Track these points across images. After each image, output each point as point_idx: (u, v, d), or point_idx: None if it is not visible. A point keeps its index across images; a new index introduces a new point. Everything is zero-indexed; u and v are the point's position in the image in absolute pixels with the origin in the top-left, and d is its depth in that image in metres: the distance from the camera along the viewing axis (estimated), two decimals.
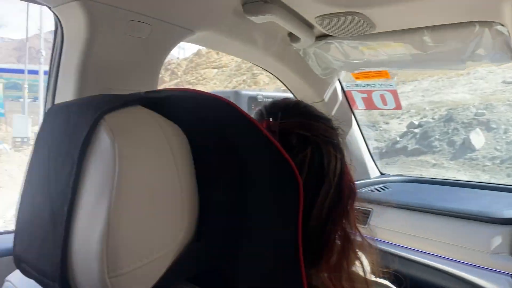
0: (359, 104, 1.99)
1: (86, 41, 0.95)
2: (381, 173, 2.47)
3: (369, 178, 2.34)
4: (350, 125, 2.09)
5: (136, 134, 0.45)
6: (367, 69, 1.54)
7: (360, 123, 2.15)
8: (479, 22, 1.10)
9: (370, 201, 2.10)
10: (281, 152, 0.59)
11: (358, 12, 1.12)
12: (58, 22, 1.00)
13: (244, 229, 0.54)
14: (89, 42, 0.95)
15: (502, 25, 1.07)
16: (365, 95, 1.90)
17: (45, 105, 1.08)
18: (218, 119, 0.57)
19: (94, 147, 0.43)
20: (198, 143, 0.53)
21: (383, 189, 2.23)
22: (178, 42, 1.12)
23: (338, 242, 0.71)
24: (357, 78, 1.80)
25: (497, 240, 1.66)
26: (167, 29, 1.07)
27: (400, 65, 1.39)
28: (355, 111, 2.09)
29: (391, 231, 1.93)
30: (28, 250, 0.51)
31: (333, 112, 1.86)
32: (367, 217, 2.05)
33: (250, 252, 0.54)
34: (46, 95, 1.07)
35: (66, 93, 1.00)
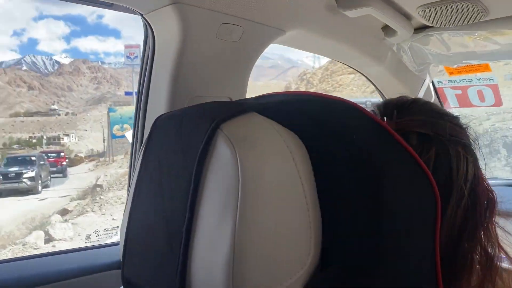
0: (451, 102, 1.82)
1: (179, 48, 0.90)
2: None
3: None
4: None
5: (257, 143, 0.40)
6: (469, 62, 1.38)
7: None
8: None
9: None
10: (418, 162, 0.49)
11: None
12: (149, 30, 0.96)
13: (380, 252, 0.45)
14: (181, 48, 0.90)
15: None
16: (459, 92, 1.72)
17: (136, 115, 1.05)
18: (343, 123, 0.48)
19: (213, 159, 0.39)
20: (320, 152, 0.44)
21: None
22: (269, 44, 1.05)
23: (477, 263, 0.60)
24: (451, 73, 1.64)
25: None
26: (258, 31, 1.00)
27: (507, 55, 1.22)
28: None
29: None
30: (140, 274, 0.47)
31: None
32: None
33: (386, 277, 0.45)
34: (137, 105, 1.04)
35: (158, 102, 0.96)
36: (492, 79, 1.59)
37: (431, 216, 0.50)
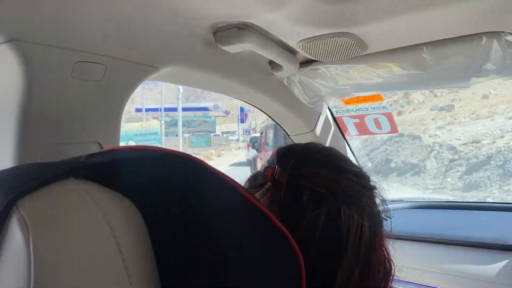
0: (351, 130, 1.85)
1: (24, 90, 0.77)
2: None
3: None
4: (343, 153, 1.94)
5: (61, 224, 0.32)
6: (359, 94, 1.39)
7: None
8: (486, 33, 0.95)
9: None
10: (271, 220, 0.43)
11: (348, 33, 0.97)
12: None
13: None
14: (27, 91, 0.78)
15: None
16: (357, 120, 1.75)
17: None
18: (179, 181, 0.41)
19: (5, 245, 0.31)
20: (156, 216, 0.38)
21: (385, 219, 2.06)
22: (140, 82, 0.95)
23: None
24: (347, 103, 1.66)
25: None
26: (125, 68, 0.90)
27: (396, 87, 1.24)
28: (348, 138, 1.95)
29: (403, 267, 1.76)
30: None
31: (325, 142, 1.70)
32: None
33: None
34: None
35: (4, 155, 0.82)
36: (385, 108, 1.63)
37: (294, 280, 0.43)
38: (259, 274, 0.40)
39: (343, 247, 0.49)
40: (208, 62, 1.06)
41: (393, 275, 0.56)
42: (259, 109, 1.44)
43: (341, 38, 0.98)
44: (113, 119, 0.94)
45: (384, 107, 1.64)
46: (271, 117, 1.50)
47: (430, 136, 16.43)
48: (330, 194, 0.50)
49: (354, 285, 0.50)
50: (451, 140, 14.53)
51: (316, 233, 0.49)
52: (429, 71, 1.10)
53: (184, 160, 0.42)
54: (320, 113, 1.58)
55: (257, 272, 0.40)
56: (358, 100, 1.59)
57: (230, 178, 0.43)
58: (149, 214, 0.37)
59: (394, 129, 1.75)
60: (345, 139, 1.90)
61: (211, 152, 27.23)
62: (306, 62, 1.22)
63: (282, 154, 0.57)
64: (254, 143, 14.69)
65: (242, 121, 35.67)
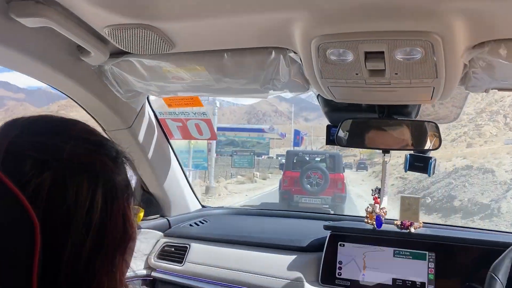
0: (175, 133, 1.89)
1: None
2: (203, 206, 2.39)
3: (189, 211, 2.23)
4: (167, 157, 1.96)
5: None
6: (173, 95, 1.44)
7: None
8: (275, 48, 1.09)
9: (187, 237, 1.99)
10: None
11: (152, 26, 1.00)
12: None
13: None
14: None
15: (295, 53, 1.08)
16: (180, 124, 1.81)
17: None
18: None
19: None
20: None
21: (202, 223, 2.14)
22: None
23: None
24: (170, 105, 1.70)
25: (305, 269, 1.70)
26: None
27: (206, 90, 1.32)
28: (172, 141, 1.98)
29: (209, 267, 1.84)
30: None
31: (143, 141, 1.70)
32: (184, 254, 1.92)
33: None
34: None
35: None
36: (205, 114, 1.73)
37: (28, 245, 0.43)
38: None
39: (72, 214, 0.50)
40: (2, 34, 0.98)
41: (133, 239, 0.58)
42: (71, 98, 1.37)
43: (146, 31, 1.01)
44: None
45: (204, 114, 1.73)
46: (84, 109, 1.43)
47: (506, 172, 13.66)
48: (55, 161, 0.50)
49: (87, 252, 0.51)
50: None
51: (41, 201, 0.49)
52: (229, 77, 1.20)
53: None
54: (139, 110, 1.57)
55: None
56: (180, 103, 1.64)
57: None
58: None
59: (213, 135, 1.85)
60: (169, 142, 1.93)
61: (255, 174, 25.43)
62: (118, 53, 1.21)
63: (7, 125, 0.55)
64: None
65: (297, 144, 33.53)
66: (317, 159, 13.31)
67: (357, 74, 1.03)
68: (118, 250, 0.55)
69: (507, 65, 0.94)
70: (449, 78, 1.00)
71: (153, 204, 2.05)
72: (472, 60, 0.97)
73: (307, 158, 13.15)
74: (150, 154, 1.79)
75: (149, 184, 1.95)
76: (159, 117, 1.79)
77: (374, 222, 1.68)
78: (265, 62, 1.11)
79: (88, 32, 1.06)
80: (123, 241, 0.56)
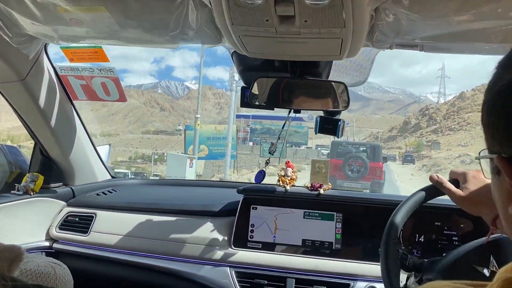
0: (78, 94, 1.74)
1: None
2: (113, 177, 2.26)
3: (96, 181, 2.09)
4: (70, 121, 1.80)
5: None
6: (73, 42, 1.30)
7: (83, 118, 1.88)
8: None
9: (93, 206, 1.86)
10: None
11: None
12: None
13: None
14: None
15: None
16: (84, 82, 1.66)
17: None
18: None
19: None
20: None
21: (111, 192, 2.02)
22: None
23: None
24: (71, 60, 1.55)
25: (217, 233, 1.68)
26: None
27: (110, 37, 1.21)
28: (77, 103, 1.83)
29: (117, 236, 1.74)
30: None
31: (41, 99, 1.53)
32: (90, 224, 1.80)
33: None
34: None
35: None
36: (112, 71, 1.60)
37: None
38: None
39: None
40: None
41: None
42: None
43: None
44: None
45: (110, 71, 1.60)
46: None
47: None
48: None
49: None
50: None
51: None
52: (136, 22, 1.11)
53: None
54: (35, 61, 1.41)
55: None
56: (83, 57, 1.50)
57: None
58: None
59: (122, 97, 1.73)
60: (72, 104, 1.77)
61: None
62: None
63: None
64: None
65: (338, 135, 30.75)
66: (359, 149, 15.31)
67: (267, 20, 1.00)
68: None
69: (409, 16, 0.97)
70: (356, 28, 1.01)
71: (55, 172, 1.88)
72: (378, 11, 0.99)
73: (350, 148, 15.25)
74: (49, 115, 1.63)
75: (49, 149, 1.79)
76: (59, 73, 1.63)
77: (286, 185, 1.71)
78: (172, 3, 1.04)
79: None
80: None
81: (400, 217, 1.06)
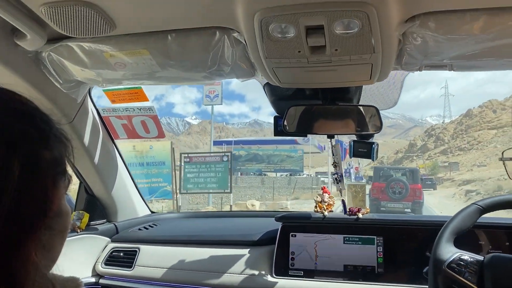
0: (120, 133, 1.83)
1: None
2: (152, 212, 2.33)
3: (137, 216, 2.16)
4: (113, 159, 1.89)
5: None
6: (117, 84, 1.39)
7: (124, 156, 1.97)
8: (219, 28, 1.10)
9: (136, 241, 1.92)
10: None
11: (92, 3, 0.97)
12: None
13: None
14: None
15: (239, 33, 1.09)
16: (125, 122, 1.75)
17: None
18: None
19: None
20: None
21: (152, 227, 2.08)
22: None
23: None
24: (113, 101, 1.65)
25: (258, 262, 1.69)
26: None
27: (150, 78, 1.30)
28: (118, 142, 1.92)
29: (161, 269, 1.78)
30: None
31: (86, 140, 1.63)
32: (134, 258, 1.85)
33: None
34: None
35: None
36: (151, 110, 1.69)
37: None
38: None
39: None
40: None
41: (49, 226, 0.56)
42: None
43: (86, 9, 0.98)
44: None
45: (150, 109, 1.69)
46: None
47: None
48: None
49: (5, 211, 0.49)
50: None
51: None
52: (176, 62, 1.19)
53: None
54: (81, 105, 1.51)
55: None
56: (124, 98, 1.60)
57: None
58: None
59: (161, 133, 1.81)
60: (114, 143, 1.87)
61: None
62: (57, 38, 1.16)
63: None
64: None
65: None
66: (398, 173, 16.83)
67: (299, 51, 1.06)
68: (30, 226, 0.53)
69: (436, 38, 1.00)
70: (385, 53, 1.05)
71: (99, 209, 1.96)
72: (405, 35, 1.03)
73: (391, 172, 17.06)
74: (93, 155, 1.72)
75: (94, 187, 1.87)
76: (102, 114, 1.73)
77: (324, 211, 1.72)
78: (209, 43, 1.12)
79: (23, 11, 1.02)
80: (37, 219, 0.53)
81: (446, 236, 1.06)
